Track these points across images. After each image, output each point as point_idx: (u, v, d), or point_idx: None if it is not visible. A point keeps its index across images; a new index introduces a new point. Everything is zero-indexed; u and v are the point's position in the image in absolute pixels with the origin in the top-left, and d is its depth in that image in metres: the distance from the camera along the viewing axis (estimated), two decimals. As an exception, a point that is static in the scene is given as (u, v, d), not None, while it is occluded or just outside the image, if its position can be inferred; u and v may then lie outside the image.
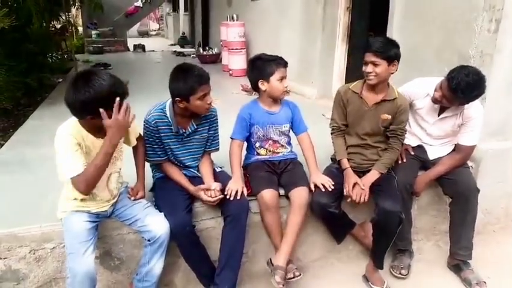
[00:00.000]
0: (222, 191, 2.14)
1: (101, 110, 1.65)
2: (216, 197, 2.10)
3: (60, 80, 7.43)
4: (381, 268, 2.37)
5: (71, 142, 1.74)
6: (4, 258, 1.99)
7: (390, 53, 2.18)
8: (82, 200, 1.89)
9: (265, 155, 2.45)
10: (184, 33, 15.41)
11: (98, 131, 1.83)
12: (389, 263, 2.51)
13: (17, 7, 5.45)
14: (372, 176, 2.31)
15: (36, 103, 5.64)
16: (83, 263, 1.76)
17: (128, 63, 9.68)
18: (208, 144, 2.31)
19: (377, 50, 2.17)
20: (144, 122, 2.14)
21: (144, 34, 21.97)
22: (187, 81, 2.00)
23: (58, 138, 1.76)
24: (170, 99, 2.13)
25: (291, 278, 2.18)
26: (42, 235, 2.02)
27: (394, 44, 2.22)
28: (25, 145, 3.35)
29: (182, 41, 14.47)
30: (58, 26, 10.18)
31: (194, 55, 10.29)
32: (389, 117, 2.31)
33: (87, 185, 1.75)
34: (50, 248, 2.04)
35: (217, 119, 2.30)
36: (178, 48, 12.79)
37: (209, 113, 2.22)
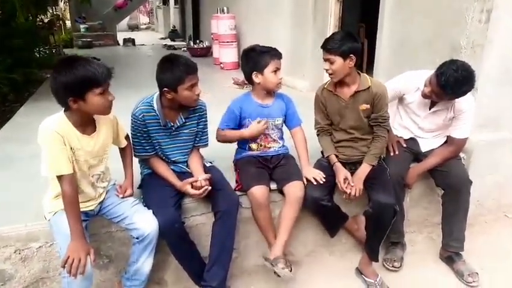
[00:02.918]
0: (210, 182, 2.09)
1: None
2: (202, 187, 2.05)
3: (48, 75, 7.31)
4: (377, 261, 2.36)
5: (55, 138, 1.69)
6: (-12, 259, 1.94)
7: (344, 48, 2.13)
8: None
9: (257, 149, 2.42)
10: (174, 26, 15.26)
11: (84, 123, 1.78)
12: (382, 256, 2.49)
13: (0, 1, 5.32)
14: (364, 170, 2.29)
15: (24, 99, 5.55)
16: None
17: (118, 58, 9.54)
18: (197, 139, 2.26)
19: (330, 47, 2.16)
20: (131, 116, 2.09)
21: (134, 28, 21.72)
22: (174, 71, 1.96)
23: (42, 133, 1.70)
24: (158, 93, 2.09)
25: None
26: (27, 234, 1.97)
27: (350, 38, 2.17)
28: (11, 142, 3.27)
29: (173, 35, 14.33)
30: (46, 20, 10.02)
31: (185, 48, 10.18)
32: (368, 106, 2.28)
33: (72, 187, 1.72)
34: (36, 248, 1.99)
35: (206, 114, 2.25)
36: (168, 42, 12.66)
37: (198, 106, 2.17)
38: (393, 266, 2.44)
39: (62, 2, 11.65)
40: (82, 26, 12.08)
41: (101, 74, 1.68)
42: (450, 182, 2.41)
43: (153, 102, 2.07)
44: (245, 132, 2.33)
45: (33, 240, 1.98)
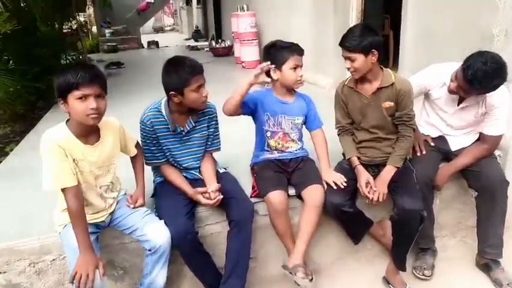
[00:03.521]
0: (221, 190, 2.02)
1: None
2: (214, 198, 1.99)
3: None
4: (404, 270, 2.21)
5: (56, 151, 1.65)
6: (4, 273, 1.94)
7: (364, 43, 1.99)
8: None
9: (275, 148, 2.30)
10: (197, 26, 15.28)
11: (87, 133, 1.74)
12: (411, 263, 2.34)
13: (22, 11, 5.45)
14: (388, 172, 2.13)
15: (52, 106, 5.67)
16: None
17: (141, 61, 9.64)
18: (209, 143, 2.18)
19: (349, 45, 2.01)
20: (140, 123, 2.04)
21: (159, 30, 22.03)
22: (180, 73, 1.90)
23: (43, 146, 1.66)
24: (166, 98, 2.02)
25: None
26: (41, 247, 1.95)
27: (369, 32, 2.02)
28: (32, 151, 3.30)
29: (196, 35, 14.35)
30: (74, 27, 10.28)
31: (207, 49, 10.16)
32: (392, 104, 2.12)
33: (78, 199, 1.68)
34: (50, 260, 1.98)
35: (216, 116, 2.17)
36: (192, 43, 12.69)
37: (207, 108, 2.10)
38: (423, 275, 2.28)
39: (89, 8, 11.93)
40: (107, 31, 12.32)
41: (80, 78, 1.61)
42: (484, 183, 2.22)
43: (161, 107, 2.01)
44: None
45: (47, 253, 1.97)
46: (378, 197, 2.08)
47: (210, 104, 2.12)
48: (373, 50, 2.01)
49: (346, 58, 2.07)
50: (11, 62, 6.07)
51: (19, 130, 5.58)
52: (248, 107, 2.20)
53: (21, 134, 4.94)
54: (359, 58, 2.02)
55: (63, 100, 1.65)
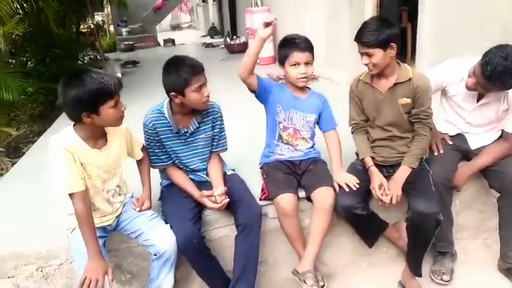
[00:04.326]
0: (228, 193, 1.97)
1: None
2: (220, 202, 1.94)
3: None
4: (420, 275, 2.11)
5: (64, 155, 1.64)
6: (11, 277, 1.94)
7: (382, 37, 1.88)
8: None
9: (287, 140, 2.23)
10: (213, 23, 15.25)
11: (95, 137, 1.72)
12: (429, 267, 2.24)
13: (37, 13, 5.51)
14: (403, 173, 2.04)
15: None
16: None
17: (157, 59, 9.58)
18: (215, 143, 2.14)
19: (366, 40, 1.90)
20: (142, 125, 2.01)
21: (176, 27, 22.08)
22: (180, 73, 1.85)
23: (52, 151, 1.66)
24: (168, 99, 1.98)
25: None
26: (48, 252, 1.95)
27: (386, 25, 1.92)
28: (44, 153, 3.32)
29: (212, 32, 14.30)
30: (92, 27, 10.40)
31: (223, 45, 10.11)
32: (409, 100, 2.02)
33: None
34: (58, 265, 1.97)
35: (221, 116, 2.12)
36: (208, 40, 12.66)
37: (211, 108, 2.05)
38: (441, 279, 2.18)
39: (106, 7, 12.04)
40: (123, 30, 12.42)
41: (112, 85, 1.62)
42: (506, 183, 2.10)
43: (163, 109, 1.98)
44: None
45: (54, 258, 1.96)
46: (391, 200, 1.99)
47: (214, 104, 2.08)
48: (391, 43, 1.91)
49: (363, 54, 1.97)
50: (29, 63, 6.18)
51: (37, 130, 5.67)
52: (263, 85, 2.11)
53: (39, 135, 5.02)
54: (378, 53, 1.92)
55: (90, 111, 1.61)
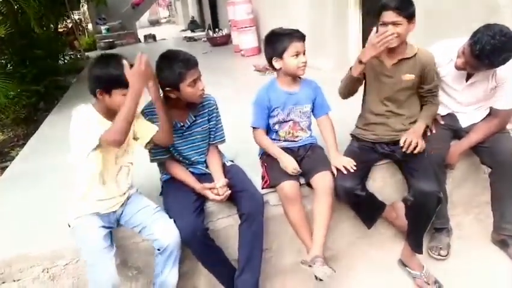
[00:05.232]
0: (229, 185, 2.00)
1: (124, 62, 1.69)
2: (222, 194, 1.97)
3: (74, 79, 7.41)
4: (421, 253, 2.18)
5: (88, 117, 1.74)
6: (18, 280, 1.93)
7: (411, 9, 1.97)
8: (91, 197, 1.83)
9: (284, 137, 2.27)
10: (193, 17, 15.09)
11: (111, 115, 1.75)
12: (426, 244, 2.31)
13: (16, 14, 5.39)
14: (421, 127, 2.17)
15: (53, 107, 5.66)
16: (106, 273, 1.68)
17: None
18: (212, 136, 2.15)
19: (400, 8, 1.95)
20: None
21: (155, 23, 21.79)
22: (174, 68, 1.85)
23: (75, 117, 1.72)
24: (162, 94, 1.97)
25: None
26: (52, 253, 1.94)
27: (411, 1, 2.01)
28: (38, 155, 3.28)
29: (192, 26, 14.15)
30: (70, 26, 10.18)
31: (205, 39, 10.03)
32: (412, 76, 2.09)
33: (117, 134, 1.66)
34: (63, 265, 1.96)
35: (217, 108, 2.13)
36: (188, 34, 12.53)
37: (206, 101, 2.06)
38: (439, 255, 2.26)
39: (83, 5, 11.78)
40: (102, 28, 12.19)
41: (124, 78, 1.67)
42: (497, 159, 2.17)
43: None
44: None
45: (60, 258, 1.95)
46: (419, 148, 2.08)
47: (209, 96, 2.08)
48: (414, 18, 2.00)
49: (389, 23, 1.97)
50: (8, 65, 6.04)
51: (22, 134, 5.58)
52: (267, 121, 2.23)
53: (25, 138, 4.94)
54: (404, 24, 1.98)
55: (103, 90, 1.73)
